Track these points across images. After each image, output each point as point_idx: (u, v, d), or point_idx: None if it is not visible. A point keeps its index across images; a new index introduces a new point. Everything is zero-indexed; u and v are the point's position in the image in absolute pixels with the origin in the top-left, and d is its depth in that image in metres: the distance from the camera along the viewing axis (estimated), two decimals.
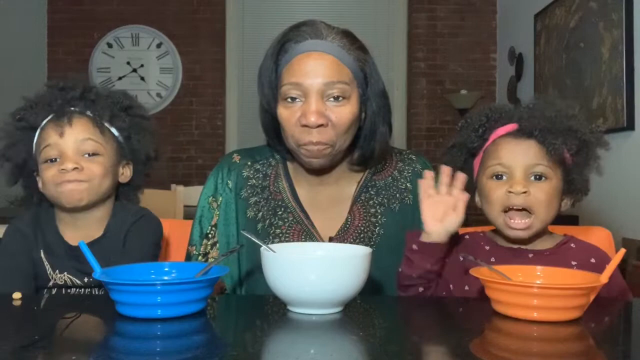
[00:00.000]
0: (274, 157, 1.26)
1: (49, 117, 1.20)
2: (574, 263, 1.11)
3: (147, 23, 4.74)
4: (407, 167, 1.26)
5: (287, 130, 1.13)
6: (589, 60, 3.18)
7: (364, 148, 1.20)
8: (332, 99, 1.10)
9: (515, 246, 1.16)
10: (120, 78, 4.75)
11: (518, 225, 1.10)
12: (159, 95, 4.72)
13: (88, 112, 1.22)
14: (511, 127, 1.15)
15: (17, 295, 0.97)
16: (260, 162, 1.26)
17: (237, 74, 4.79)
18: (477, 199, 1.20)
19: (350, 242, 1.18)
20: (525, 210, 1.10)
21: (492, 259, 1.14)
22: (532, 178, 1.11)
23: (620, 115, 2.82)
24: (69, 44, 4.75)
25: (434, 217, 1.09)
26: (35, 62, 4.69)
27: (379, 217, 1.21)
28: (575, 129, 1.10)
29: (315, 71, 1.10)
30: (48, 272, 1.18)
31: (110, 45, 4.77)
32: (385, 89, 1.21)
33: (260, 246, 0.95)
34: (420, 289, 1.11)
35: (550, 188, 1.11)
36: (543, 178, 1.11)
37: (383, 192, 1.23)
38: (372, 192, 1.23)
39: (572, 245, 1.16)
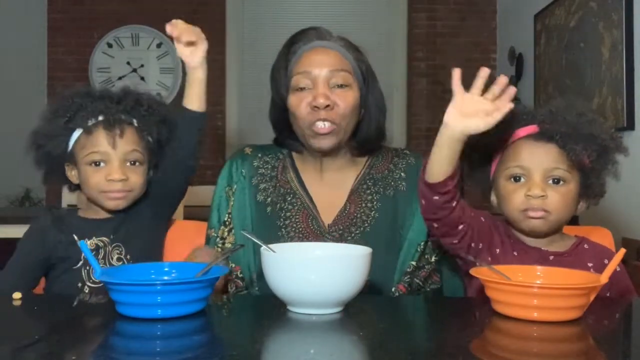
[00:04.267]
0: (281, 152, 1.39)
1: (98, 120, 1.25)
2: (590, 264, 1.12)
3: (147, 23, 4.73)
4: (401, 161, 1.37)
5: (297, 115, 1.25)
6: (589, 60, 3.18)
7: (363, 134, 1.32)
8: (336, 87, 1.24)
9: (535, 245, 1.16)
10: (120, 78, 4.74)
11: (536, 213, 1.10)
12: (159, 95, 4.70)
13: (134, 122, 1.29)
14: (532, 129, 1.15)
15: (17, 295, 0.97)
16: (269, 155, 1.38)
17: (237, 74, 4.79)
18: (492, 197, 1.21)
19: (346, 224, 1.27)
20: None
21: (515, 253, 1.14)
22: (550, 181, 1.11)
23: (620, 115, 2.82)
24: (69, 44, 4.74)
25: (460, 111, 1.03)
26: (35, 62, 4.69)
27: (375, 203, 1.31)
28: (596, 134, 1.10)
29: (322, 61, 1.25)
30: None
31: (110, 45, 4.77)
32: (381, 89, 1.34)
33: (261, 246, 0.95)
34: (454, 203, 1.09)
35: (567, 192, 1.12)
36: (561, 182, 1.12)
37: (380, 183, 1.33)
38: (369, 184, 1.33)
39: (585, 246, 1.17)
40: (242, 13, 4.81)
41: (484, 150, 1.20)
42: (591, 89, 3.14)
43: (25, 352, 0.71)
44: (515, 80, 4.28)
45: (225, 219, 1.33)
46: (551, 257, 1.14)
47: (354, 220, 1.28)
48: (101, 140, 1.24)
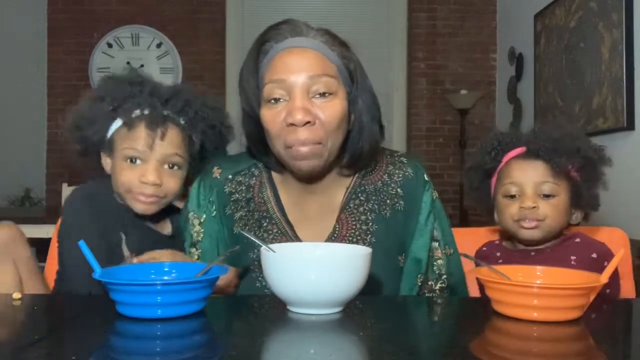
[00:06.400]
0: (256, 166, 1.21)
1: (143, 114, 1.16)
2: (572, 258, 1.19)
3: (147, 23, 4.74)
4: (397, 171, 1.19)
5: (272, 133, 1.07)
6: (589, 60, 3.18)
7: (353, 149, 1.13)
8: (318, 96, 1.05)
9: (523, 247, 1.28)
10: None
11: (529, 224, 1.22)
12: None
13: (181, 121, 1.20)
14: (520, 150, 1.28)
15: (17, 295, 0.97)
16: (242, 173, 1.20)
17: (237, 74, 4.76)
18: (495, 216, 1.33)
19: None
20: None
21: (500, 261, 1.26)
22: (542, 196, 1.23)
23: (620, 115, 2.82)
24: (69, 44, 4.74)
25: None
26: (35, 62, 4.69)
27: (370, 224, 1.14)
28: (579, 147, 1.22)
29: (299, 66, 1.04)
30: (123, 249, 1.15)
31: (110, 45, 4.77)
32: (372, 88, 1.15)
33: (261, 246, 0.95)
34: None
35: (558, 203, 1.23)
36: (551, 196, 1.23)
37: (373, 198, 1.16)
38: (362, 198, 1.16)
39: (577, 240, 1.25)
40: (242, 13, 4.81)
41: (482, 172, 1.33)
42: (591, 89, 3.14)
43: (25, 352, 0.71)
44: (515, 80, 4.28)
45: (189, 248, 1.18)
46: (533, 254, 1.24)
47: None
48: (141, 138, 1.15)
